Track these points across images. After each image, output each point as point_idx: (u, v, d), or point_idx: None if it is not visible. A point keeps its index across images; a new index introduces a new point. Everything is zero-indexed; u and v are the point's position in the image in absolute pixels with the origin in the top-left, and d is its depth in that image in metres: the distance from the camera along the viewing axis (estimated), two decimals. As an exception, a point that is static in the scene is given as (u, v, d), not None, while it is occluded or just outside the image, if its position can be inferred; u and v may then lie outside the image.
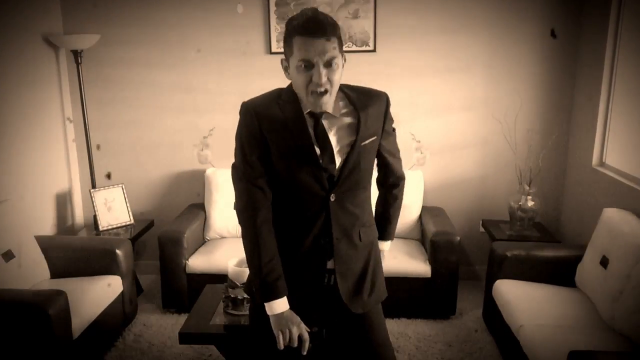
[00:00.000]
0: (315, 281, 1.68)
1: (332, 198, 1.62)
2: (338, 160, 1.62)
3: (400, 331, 3.17)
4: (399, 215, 1.92)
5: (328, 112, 1.60)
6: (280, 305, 1.60)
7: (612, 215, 2.71)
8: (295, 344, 1.58)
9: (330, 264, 1.67)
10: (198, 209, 3.76)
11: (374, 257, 1.76)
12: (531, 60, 3.62)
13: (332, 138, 1.62)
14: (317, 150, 1.59)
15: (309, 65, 1.51)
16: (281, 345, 1.58)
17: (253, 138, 1.60)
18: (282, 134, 1.59)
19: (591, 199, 3.31)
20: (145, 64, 3.76)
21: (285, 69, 1.61)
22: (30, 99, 3.45)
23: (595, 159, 3.35)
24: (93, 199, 3.67)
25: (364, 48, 3.62)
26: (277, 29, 3.62)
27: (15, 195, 3.20)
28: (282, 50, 4.17)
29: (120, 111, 3.86)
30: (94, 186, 3.77)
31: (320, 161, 1.59)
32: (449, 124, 3.75)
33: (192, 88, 3.79)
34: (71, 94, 3.84)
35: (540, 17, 3.55)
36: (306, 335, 1.60)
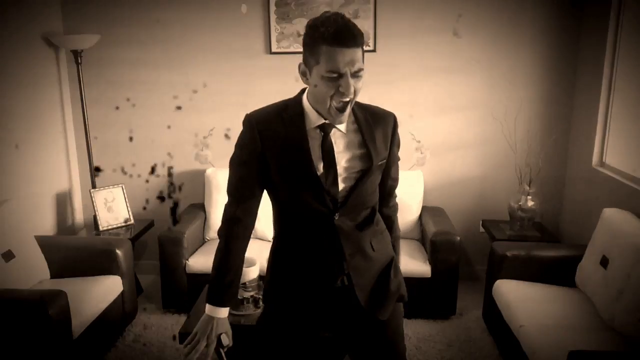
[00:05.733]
0: (328, 284, 1.65)
1: (337, 217, 1.57)
2: (341, 185, 1.57)
3: (400, 331, 3.17)
4: (399, 246, 1.90)
5: (336, 128, 1.56)
6: (218, 312, 1.63)
7: (612, 215, 2.71)
8: (196, 355, 1.58)
9: (342, 271, 1.63)
10: (198, 209, 3.76)
11: (390, 261, 1.74)
12: (531, 61, 3.62)
13: (338, 157, 1.56)
14: (320, 170, 1.54)
15: (337, 76, 1.44)
16: (185, 345, 1.60)
17: (251, 153, 1.56)
18: (283, 150, 1.54)
19: (591, 199, 3.31)
20: (145, 64, 3.76)
21: (304, 74, 1.52)
22: (30, 99, 3.45)
23: (595, 159, 3.35)
24: (93, 199, 3.67)
25: (364, 48, 3.61)
26: (277, 29, 3.62)
27: (15, 195, 3.20)
28: (282, 50, 4.15)
29: (120, 111, 3.86)
30: (94, 186, 3.77)
31: (324, 183, 1.54)
32: (449, 124, 3.74)
33: (192, 88, 3.79)
34: (71, 94, 3.84)
35: (540, 17, 3.55)
36: (210, 353, 1.60)
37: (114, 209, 3.73)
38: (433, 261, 3.23)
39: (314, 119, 1.55)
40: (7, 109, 3.24)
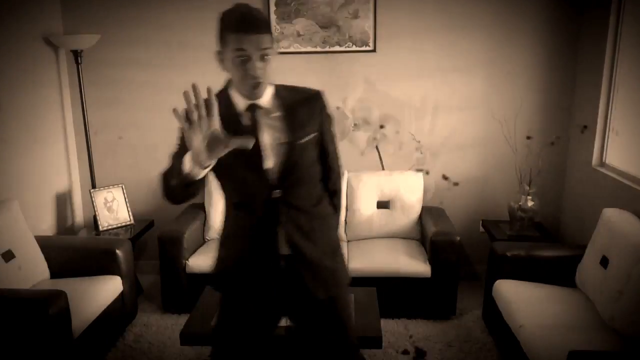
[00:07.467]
0: (270, 266, 1.72)
1: (277, 194, 1.67)
2: (272, 160, 1.66)
3: (400, 331, 3.17)
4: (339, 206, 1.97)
5: (263, 107, 1.66)
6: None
7: (612, 215, 2.71)
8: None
9: (285, 250, 1.72)
10: (198, 209, 3.76)
11: (331, 244, 1.82)
12: (531, 61, 3.62)
13: (264, 134, 1.66)
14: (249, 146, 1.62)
15: (244, 58, 1.56)
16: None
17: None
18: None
19: (591, 199, 3.31)
20: (145, 64, 3.76)
21: (221, 62, 1.66)
22: (30, 99, 3.45)
23: (595, 159, 3.35)
24: (93, 199, 3.67)
25: (364, 48, 3.62)
26: (277, 29, 3.62)
27: (15, 195, 3.20)
28: (282, 50, 4.14)
29: (120, 111, 3.86)
30: (94, 186, 3.77)
31: (250, 156, 1.62)
32: (449, 124, 3.74)
33: (192, 88, 3.78)
34: (71, 94, 3.84)
35: (540, 17, 3.55)
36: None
37: (114, 209, 3.73)
38: (433, 261, 3.23)
39: (240, 102, 1.67)
40: (7, 109, 3.24)
